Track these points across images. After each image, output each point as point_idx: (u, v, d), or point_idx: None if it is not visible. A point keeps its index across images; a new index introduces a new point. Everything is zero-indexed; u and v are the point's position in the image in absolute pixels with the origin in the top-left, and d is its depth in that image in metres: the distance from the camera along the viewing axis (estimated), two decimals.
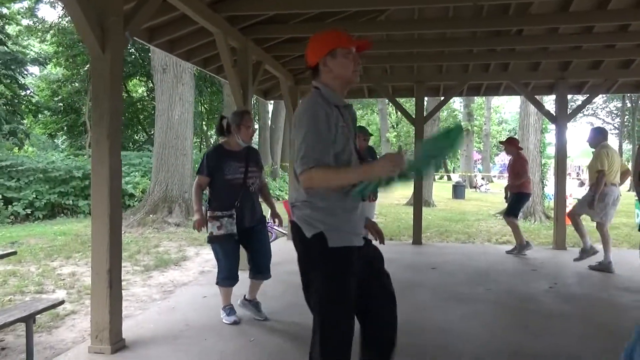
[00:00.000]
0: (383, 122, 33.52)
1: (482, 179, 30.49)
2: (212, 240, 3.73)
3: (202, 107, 24.69)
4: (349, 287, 2.09)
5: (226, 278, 3.82)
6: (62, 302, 3.67)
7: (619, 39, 6.32)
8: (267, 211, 4.26)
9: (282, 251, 5.85)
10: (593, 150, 5.94)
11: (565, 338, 3.64)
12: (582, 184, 21.76)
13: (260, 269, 3.88)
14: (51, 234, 9.32)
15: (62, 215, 12.39)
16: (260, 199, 4.03)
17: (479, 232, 10.70)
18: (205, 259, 7.47)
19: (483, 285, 5.24)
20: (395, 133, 33.02)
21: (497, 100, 41.04)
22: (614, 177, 5.70)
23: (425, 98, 8.48)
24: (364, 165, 2.18)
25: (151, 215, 10.49)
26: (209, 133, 27.53)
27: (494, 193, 25.94)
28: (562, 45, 6.69)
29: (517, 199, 6.83)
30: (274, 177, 20.49)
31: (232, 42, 5.40)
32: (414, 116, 7.90)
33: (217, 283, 3.88)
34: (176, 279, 6.14)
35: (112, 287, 3.18)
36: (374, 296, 2.22)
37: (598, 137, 5.92)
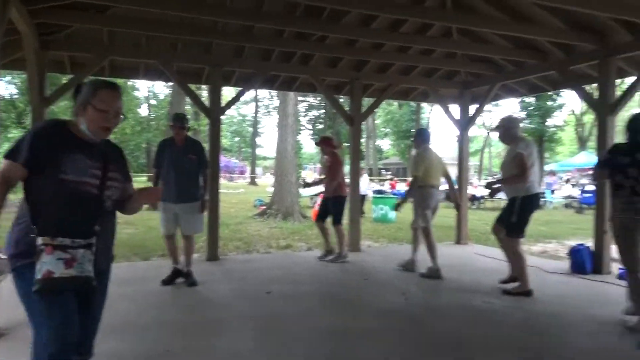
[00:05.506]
0: None
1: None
2: (50, 287, 1.90)
3: None
4: None
5: (63, 351, 2.00)
6: None
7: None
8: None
9: None
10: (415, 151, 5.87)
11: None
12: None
13: (82, 347, 2.17)
14: None
15: None
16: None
17: (252, 238, 9.92)
18: None
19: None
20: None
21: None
22: (434, 180, 5.63)
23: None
24: None
25: None
26: None
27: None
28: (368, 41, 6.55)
29: (337, 204, 6.31)
30: None
31: None
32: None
33: None
34: None
35: None
36: None
37: (418, 140, 5.84)
